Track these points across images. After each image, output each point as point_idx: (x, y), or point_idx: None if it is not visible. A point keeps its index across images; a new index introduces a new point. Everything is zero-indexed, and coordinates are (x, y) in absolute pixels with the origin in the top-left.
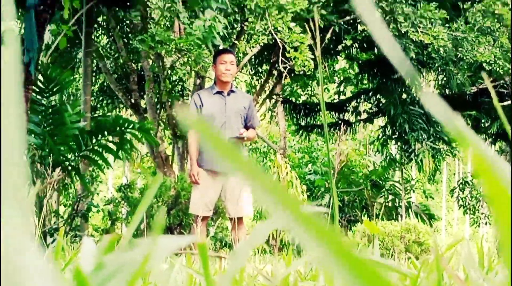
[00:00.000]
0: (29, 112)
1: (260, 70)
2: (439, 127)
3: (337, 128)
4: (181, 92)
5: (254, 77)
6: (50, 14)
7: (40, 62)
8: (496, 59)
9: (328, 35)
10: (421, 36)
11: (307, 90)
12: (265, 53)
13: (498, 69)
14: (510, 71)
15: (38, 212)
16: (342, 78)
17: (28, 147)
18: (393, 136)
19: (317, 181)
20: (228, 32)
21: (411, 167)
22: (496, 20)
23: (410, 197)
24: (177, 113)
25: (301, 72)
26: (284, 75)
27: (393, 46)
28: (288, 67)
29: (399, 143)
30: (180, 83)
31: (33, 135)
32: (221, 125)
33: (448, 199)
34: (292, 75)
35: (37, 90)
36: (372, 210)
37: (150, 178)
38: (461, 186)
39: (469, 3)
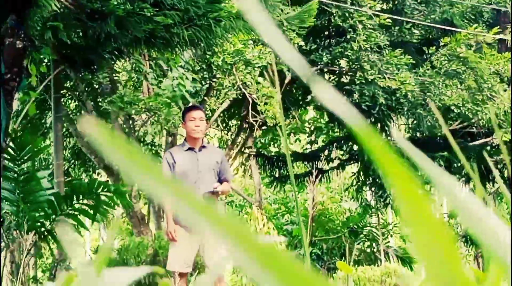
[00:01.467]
0: (1, 179)
1: (231, 124)
2: (414, 169)
3: (311, 177)
4: (153, 151)
5: (225, 131)
6: (18, 82)
7: (10, 130)
8: (464, 102)
9: (287, 80)
10: (388, 82)
11: (278, 142)
12: (235, 107)
13: (466, 112)
14: (478, 113)
15: (15, 279)
16: (312, 128)
17: (2, 215)
18: (367, 182)
19: (295, 231)
20: (197, 89)
21: (386, 212)
22: (461, 63)
23: (388, 242)
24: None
25: (272, 125)
26: (255, 128)
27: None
28: (259, 120)
29: (373, 189)
30: (152, 142)
31: (7, 203)
32: (194, 181)
33: None
34: (263, 128)
35: (8, 157)
36: (351, 257)
37: (127, 239)
38: None
39: (434, 47)
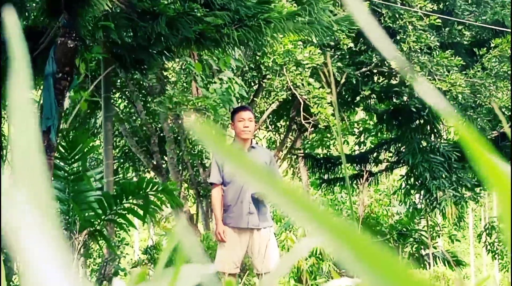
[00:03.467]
0: (52, 178)
1: (280, 125)
2: (461, 173)
3: (359, 179)
4: (202, 151)
5: (274, 133)
6: (69, 81)
7: (61, 129)
8: None
9: (343, 80)
10: (438, 83)
11: (327, 144)
12: (284, 108)
13: None
14: None
15: None
16: (361, 129)
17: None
18: (415, 185)
19: None
20: (246, 90)
21: (435, 214)
22: None
23: (437, 246)
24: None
25: (322, 127)
26: (308, 129)
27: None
28: (311, 122)
29: (422, 192)
30: (200, 143)
31: (58, 202)
32: (243, 182)
33: (476, 245)
34: (312, 129)
35: (59, 156)
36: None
37: (174, 239)
38: (488, 231)
39: (485, 49)
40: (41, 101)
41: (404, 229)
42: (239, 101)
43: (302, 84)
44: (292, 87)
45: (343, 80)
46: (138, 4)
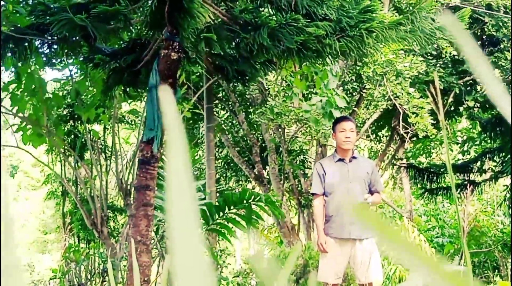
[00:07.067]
0: (156, 188)
1: (381, 135)
2: None
3: (463, 189)
4: (303, 162)
5: (375, 142)
6: (172, 93)
7: (164, 140)
8: None
9: (450, 99)
10: None
11: (430, 153)
12: (385, 118)
13: None
14: None
15: None
16: (465, 137)
17: (156, 224)
18: None
19: (447, 246)
20: (348, 101)
21: None
22: None
23: None
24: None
25: (422, 136)
26: (406, 140)
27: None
28: (410, 131)
29: None
30: (302, 153)
31: (159, 210)
32: (345, 192)
33: None
34: (414, 139)
35: (162, 167)
36: (504, 271)
37: (277, 249)
38: None
39: None
40: (145, 113)
41: (509, 240)
42: (341, 111)
43: (402, 94)
44: (392, 97)
45: (450, 99)
46: (239, 15)
